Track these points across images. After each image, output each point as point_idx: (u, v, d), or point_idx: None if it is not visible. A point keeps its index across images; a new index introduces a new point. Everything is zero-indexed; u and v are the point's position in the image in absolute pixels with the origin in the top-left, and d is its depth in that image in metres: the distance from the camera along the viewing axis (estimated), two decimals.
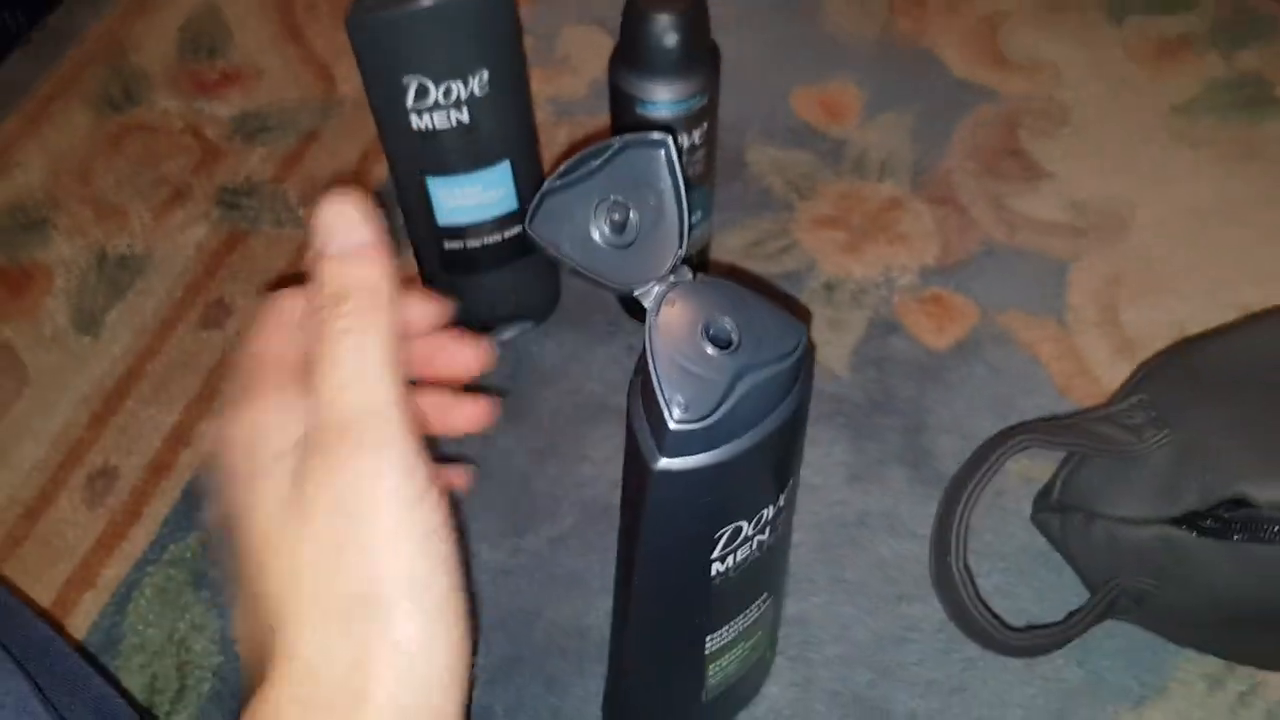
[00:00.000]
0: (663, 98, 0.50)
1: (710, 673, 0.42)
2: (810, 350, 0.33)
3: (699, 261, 0.59)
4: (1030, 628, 0.48)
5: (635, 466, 0.32)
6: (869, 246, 0.65)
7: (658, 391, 0.29)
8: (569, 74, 0.76)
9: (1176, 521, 0.44)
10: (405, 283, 0.31)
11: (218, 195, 0.69)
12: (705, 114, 0.51)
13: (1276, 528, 0.42)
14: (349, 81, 0.75)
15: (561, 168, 0.31)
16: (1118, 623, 0.49)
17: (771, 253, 0.65)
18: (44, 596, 0.52)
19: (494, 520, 0.54)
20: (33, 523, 0.55)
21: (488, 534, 0.54)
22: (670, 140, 0.31)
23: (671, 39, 0.48)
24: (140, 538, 0.54)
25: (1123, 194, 0.68)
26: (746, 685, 0.47)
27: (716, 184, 0.57)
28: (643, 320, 0.31)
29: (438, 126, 0.50)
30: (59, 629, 0.51)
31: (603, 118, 0.57)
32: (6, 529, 0.55)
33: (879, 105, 0.73)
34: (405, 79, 0.48)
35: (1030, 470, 0.54)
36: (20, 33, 0.80)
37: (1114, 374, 0.57)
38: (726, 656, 0.42)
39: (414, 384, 0.32)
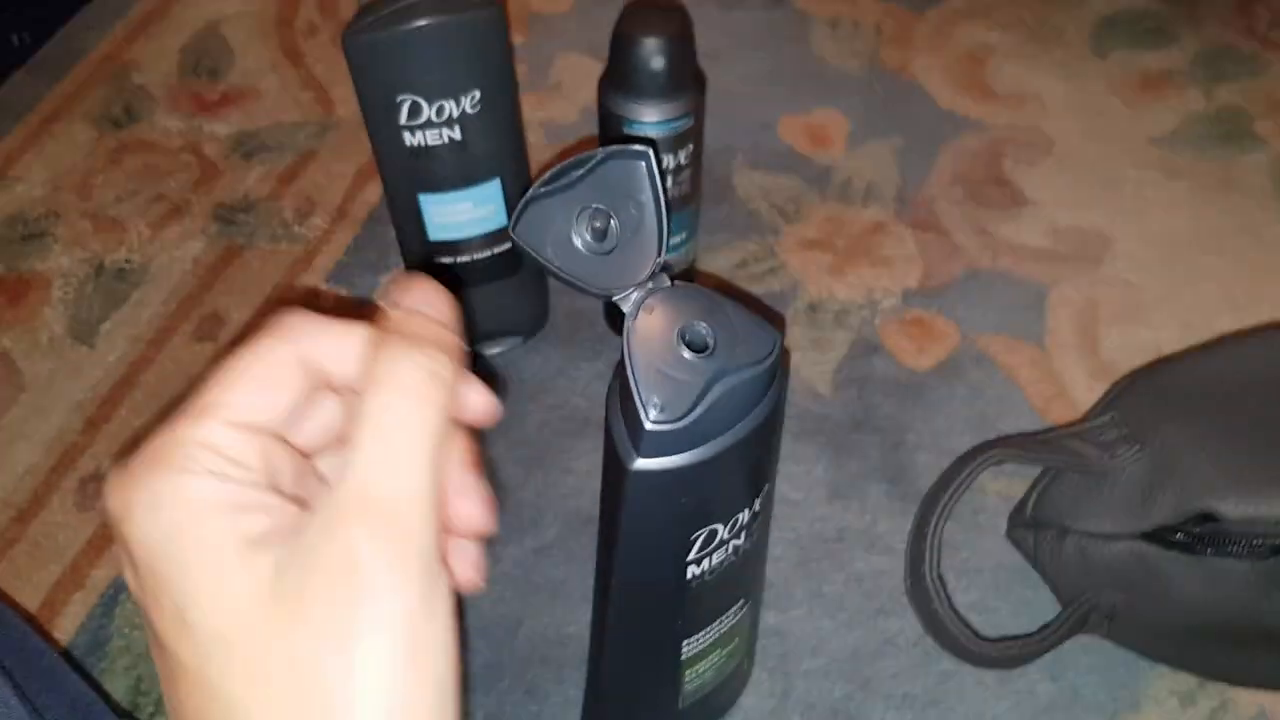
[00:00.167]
0: (649, 118, 0.51)
1: (687, 679, 0.43)
2: (785, 356, 0.34)
3: (685, 280, 0.60)
4: (1002, 639, 0.48)
5: (613, 467, 0.33)
6: (853, 269, 0.66)
7: (635, 393, 0.30)
8: (561, 99, 0.78)
9: (1147, 537, 0.45)
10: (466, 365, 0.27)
11: (215, 211, 0.71)
12: (691, 135, 0.53)
13: (1245, 543, 0.43)
14: (346, 104, 0.77)
15: (545, 175, 0.32)
16: (1092, 639, 0.50)
17: (757, 274, 0.66)
18: (33, 598, 0.53)
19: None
20: (24, 525, 0.55)
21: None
22: (651, 152, 0.32)
23: (658, 62, 0.50)
24: None
25: (1102, 222, 0.69)
26: (724, 695, 0.47)
27: (704, 206, 0.58)
28: None
29: (430, 144, 0.51)
30: (40, 628, 0.51)
31: (593, 141, 0.58)
32: None
33: (865, 133, 0.75)
34: (399, 97, 0.49)
35: (1008, 489, 0.55)
36: (26, 51, 0.81)
37: (1091, 396, 0.58)
38: (703, 663, 0.42)
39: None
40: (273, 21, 0.85)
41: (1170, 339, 0.61)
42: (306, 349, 0.26)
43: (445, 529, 0.25)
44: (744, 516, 0.36)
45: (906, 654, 0.50)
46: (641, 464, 0.32)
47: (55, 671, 0.41)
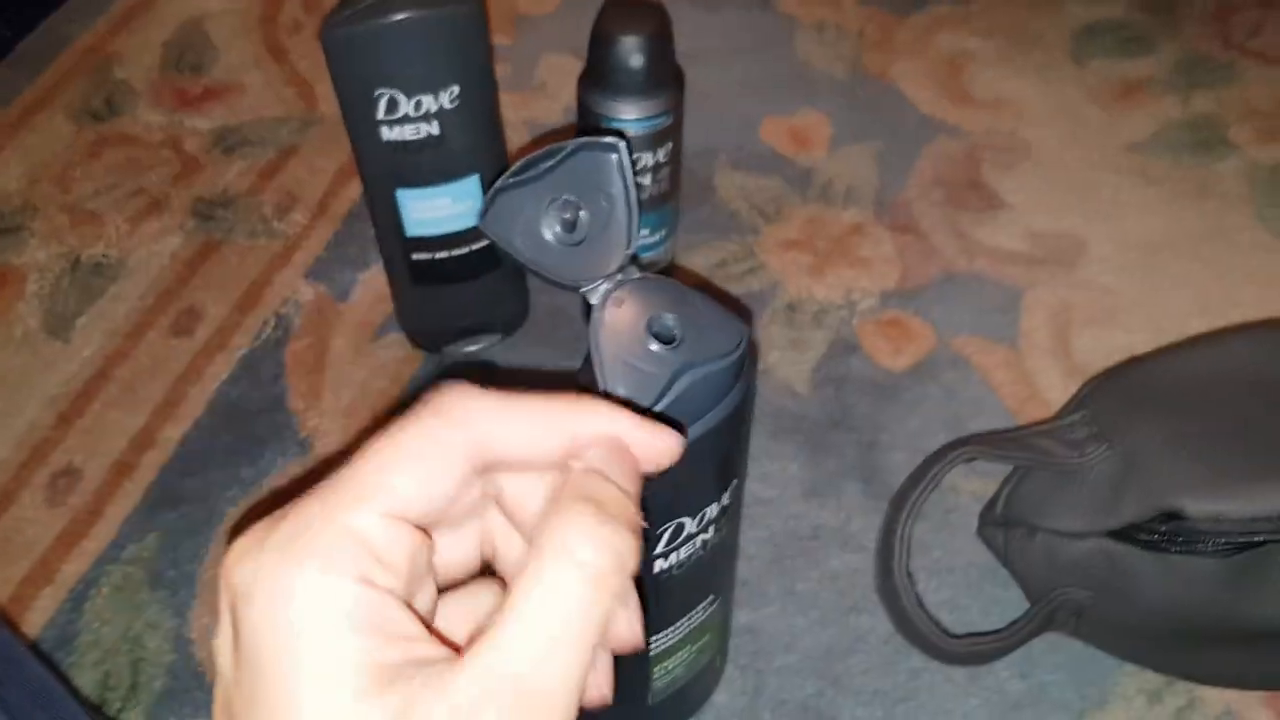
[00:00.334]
0: (628, 116, 0.51)
1: (656, 675, 0.43)
2: (754, 349, 0.34)
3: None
4: (970, 635, 0.48)
5: None
6: (832, 270, 0.66)
7: (600, 383, 0.31)
8: (545, 98, 0.78)
9: (1114, 535, 0.46)
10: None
11: (194, 206, 0.70)
12: (670, 133, 0.53)
13: (1211, 541, 0.44)
14: (329, 100, 0.77)
15: (515, 166, 0.32)
16: (1061, 637, 0.50)
17: (737, 273, 0.66)
18: (2, 592, 0.52)
19: None
20: None
21: None
22: (623, 144, 0.32)
23: (636, 60, 0.50)
24: (100, 536, 0.54)
25: (1078, 226, 0.70)
26: (695, 691, 0.47)
27: (685, 206, 0.58)
28: None
29: (408, 139, 0.51)
30: (6, 619, 0.51)
31: (571, 130, 0.58)
32: None
33: (846, 136, 0.75)
34: (377, 91, 0.49)
35: (981, 488, 0.55)
36: (7, 44, 0.81)
37: (1064, 398, 0.58)
38: (673, 659, 0.42)
39: None
40: (257, 17, 0.85)
41: (1144, 342, 0.62)
42: (480, 436, 0.24)
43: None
44: (712, 511, 0.36)
45: (878, 651, 0.50)
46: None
47: (16, 659, 0.40)
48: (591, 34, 0.51)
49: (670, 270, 0.62)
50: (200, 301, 0.65)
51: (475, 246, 0.56)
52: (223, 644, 0.22)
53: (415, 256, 0.56)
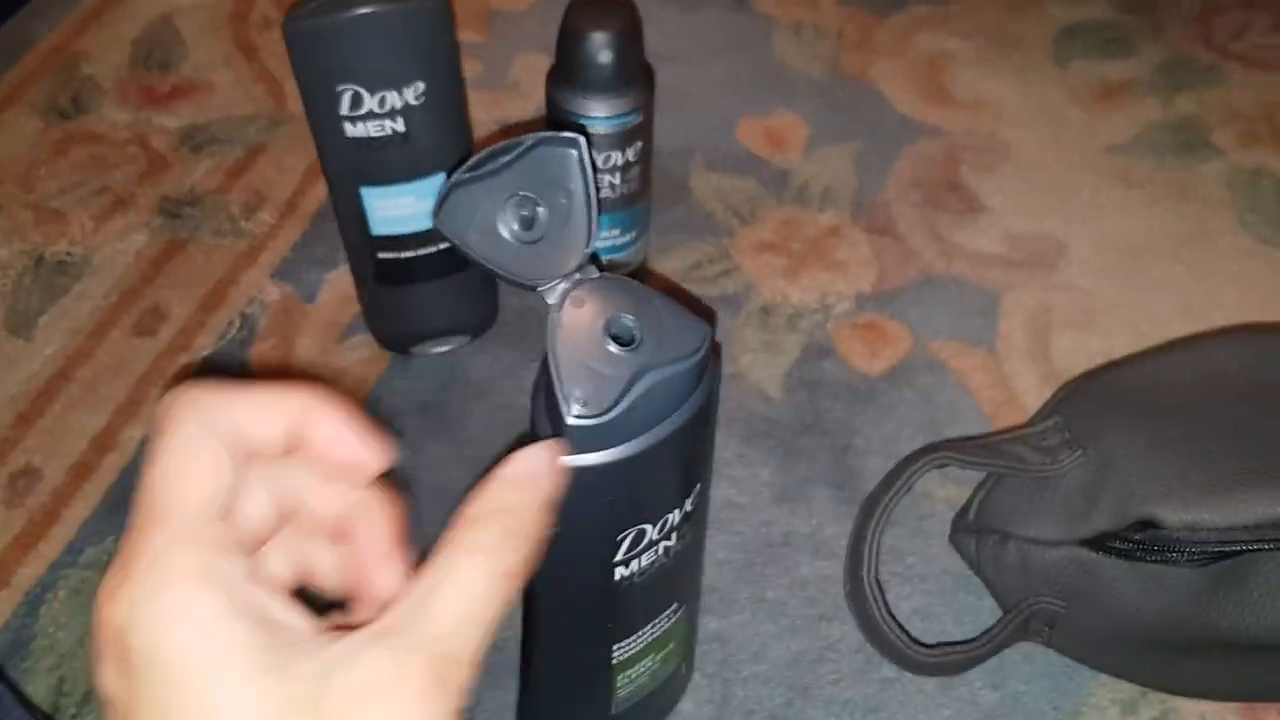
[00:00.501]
0: (597, 114, 0.51)
1: (619, 684, 0.42)
2: (717, 351, 0.33)
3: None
4: (941, 645, 0.48)
5: None
6: (807, 272, 0.66)
7: (557, 387, 0.30)
8: (518, 98, 0.77)
9: (1088, 543, 0.45)
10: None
11: (160, 204, 0.69)
12: (639, 131, 0.52)
13: (1185, 550, 0.43)
14: (299, 98, 0.75)
15: (471, 160, 0.31)
16: (1034, 647, 0.49)
17: (711, 275, 0.65)
18: None
19: (420, 530, 0.53)
20: None
21: (414, 544, 0.53)
22: (583, 140, 0.32)
23: (605, 57, 0.49)
24: (58, 539, 0.53)
25: (1058, 229, 0.69)
26: (661, 700, 0.46)
27: (659, 207, 0.57)
28: None
29: (372, 135, 0.50)
30: None
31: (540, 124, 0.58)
32: None
33: (823, 137, 0.75)
34: (340, 86, 0.48)
35: (956, 495, 0.55)
36: None
37: (1041, 402, 0.58)
38: (636, 668, 0.41)
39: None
40: (227, 15, 0.84)
41: (1123, 346, 0.61)
42: (228, 422, 0.27)
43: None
44: (674, 517, 0.35)
45: (848, 660, 0.49)
46: (564, 460, 0.31)
47: None
48: (560, 30, 0.50)
49: (642, 272, 0.61)
50: (165, 301, 0.64)
51: (442, 246, 0.55)
52: (108, 678, 0.24)
53: (381, 256, 0.55)
